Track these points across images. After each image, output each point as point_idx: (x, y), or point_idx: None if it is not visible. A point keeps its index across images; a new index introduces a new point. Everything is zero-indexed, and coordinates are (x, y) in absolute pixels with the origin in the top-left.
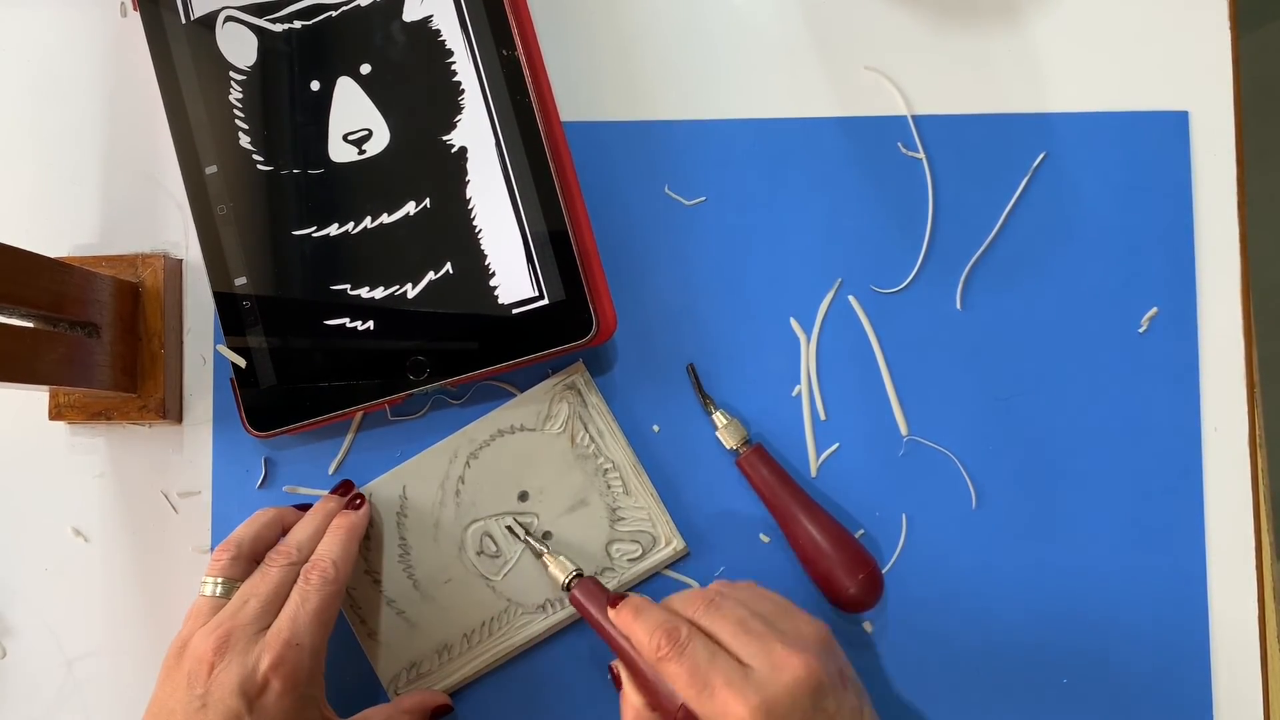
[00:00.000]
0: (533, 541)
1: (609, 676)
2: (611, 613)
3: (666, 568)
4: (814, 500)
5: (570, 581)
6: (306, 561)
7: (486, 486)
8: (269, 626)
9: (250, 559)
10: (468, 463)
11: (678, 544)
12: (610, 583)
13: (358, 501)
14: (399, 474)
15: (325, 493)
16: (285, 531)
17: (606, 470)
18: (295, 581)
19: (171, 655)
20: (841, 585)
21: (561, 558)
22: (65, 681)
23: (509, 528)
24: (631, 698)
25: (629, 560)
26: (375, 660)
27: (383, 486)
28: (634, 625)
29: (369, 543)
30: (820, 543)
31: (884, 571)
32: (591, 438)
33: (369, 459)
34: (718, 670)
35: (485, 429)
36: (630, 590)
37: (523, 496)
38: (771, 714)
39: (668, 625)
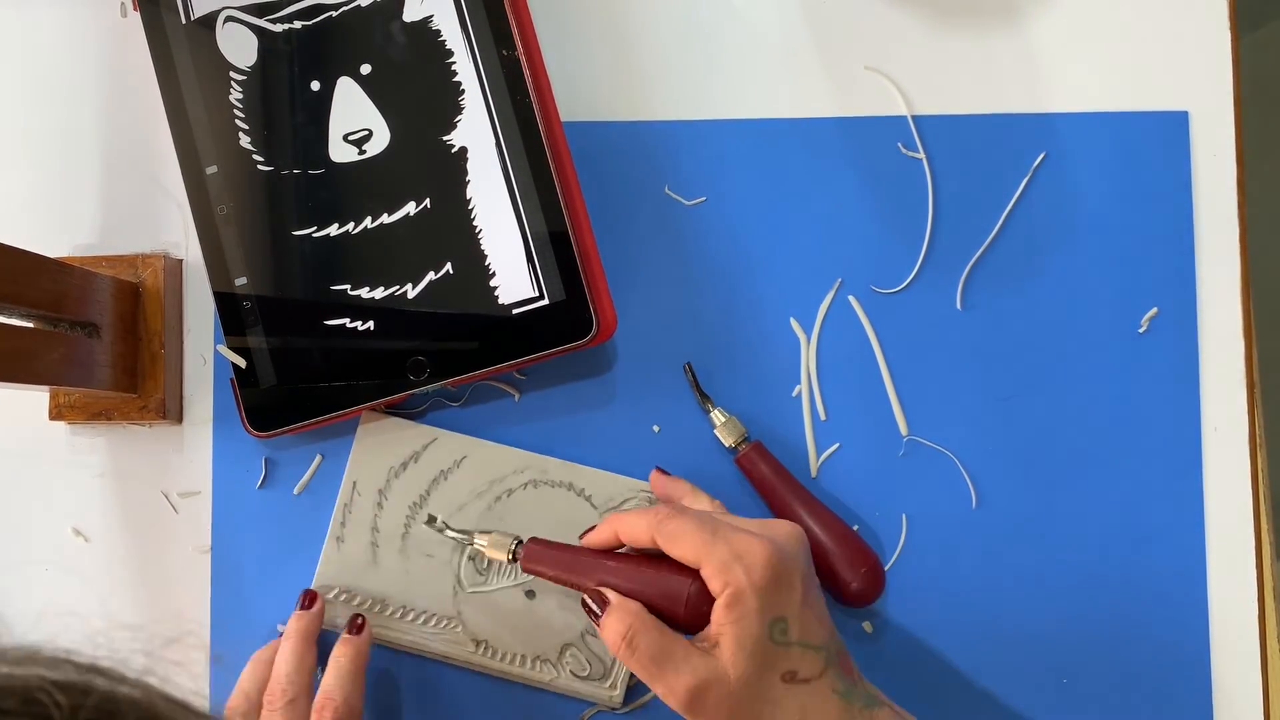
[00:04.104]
0: (455, 534)
1: (585, 610)
2: (590, 534)
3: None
4: (814, 496)
5: (515, 550)
6: (299, 693)
7: (520, 515)
8: None
9: (259, 706)
10: (525, 485)
11: (616, 697)
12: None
13: (359, 623)
14: (469, 444)
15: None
16: None
17: None
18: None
19: None
20: (844, 580)
21: (494, 533)
22: None
23: (434, 525)
24: (625, 607)
25: (571, 671)
26: (324, 560)
27: (449, 441)
28: (625, 517)
29: (400, 469)
30: (822, 538)
31: (884, 570)
32: None
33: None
34: (722, 521)
35: (560, 472)
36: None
37: None
38: (783, 555)
39: (661, 505)
